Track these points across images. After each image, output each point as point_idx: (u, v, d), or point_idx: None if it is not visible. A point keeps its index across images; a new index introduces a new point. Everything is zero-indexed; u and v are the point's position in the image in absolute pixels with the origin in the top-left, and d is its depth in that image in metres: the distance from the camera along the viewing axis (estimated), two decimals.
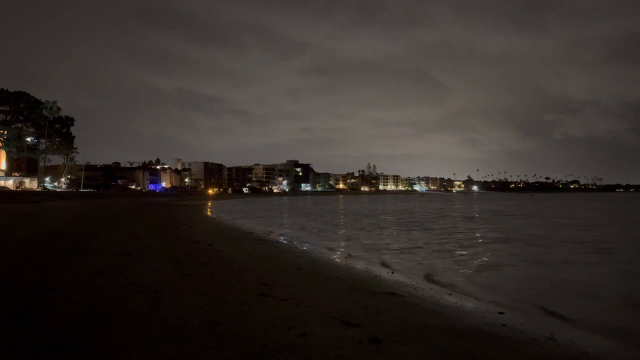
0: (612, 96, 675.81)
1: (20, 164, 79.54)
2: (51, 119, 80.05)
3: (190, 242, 14.23)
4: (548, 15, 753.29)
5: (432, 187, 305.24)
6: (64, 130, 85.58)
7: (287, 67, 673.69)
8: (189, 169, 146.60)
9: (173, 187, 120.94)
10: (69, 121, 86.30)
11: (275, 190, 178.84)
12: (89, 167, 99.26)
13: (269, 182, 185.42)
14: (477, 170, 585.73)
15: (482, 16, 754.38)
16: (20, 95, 78.71)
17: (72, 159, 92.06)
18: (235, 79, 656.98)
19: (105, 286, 6.75)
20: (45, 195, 52.48)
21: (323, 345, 4.57)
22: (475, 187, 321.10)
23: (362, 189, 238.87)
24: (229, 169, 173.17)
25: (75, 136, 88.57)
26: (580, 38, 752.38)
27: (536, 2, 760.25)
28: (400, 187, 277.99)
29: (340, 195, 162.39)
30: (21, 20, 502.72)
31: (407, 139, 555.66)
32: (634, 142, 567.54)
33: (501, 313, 7.33)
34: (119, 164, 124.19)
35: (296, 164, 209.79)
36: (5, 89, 77.36)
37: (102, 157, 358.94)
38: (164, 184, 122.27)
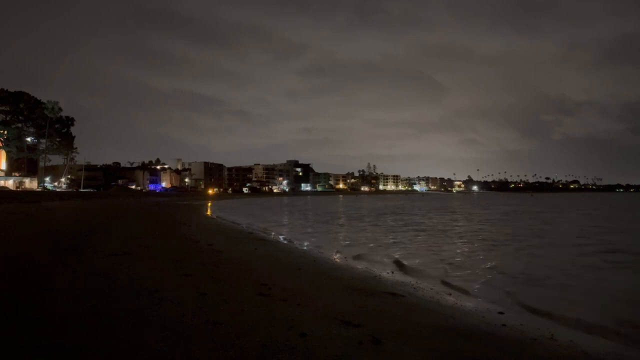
0: (610, 97, 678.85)
1: (20, 164, 79.54)
2: (52, 119, 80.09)
3: (190, 242, 14.22)
4: (545, 17, 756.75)
5: (432, 187, 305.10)
6: (64, 130, 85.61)
7: (286, 68, 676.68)
8: (189, 169, 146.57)
9: (173, 187, 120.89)
10: (69, 121, 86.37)
11: (275, 190, 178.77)
12: (89, 167, 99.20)
13: (269, 182, 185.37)
14: (477, 170, 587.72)
15: (479, 18, 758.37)
16: (21, 96, 78.69)
17: (72, 159, 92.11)
18: (234, 80, 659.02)
19: (105, 286, 6.75)
20: (45, 195, 52.48)
21: (323, 345, 4.57)
22: (475, 187, 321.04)
23: (362, 189, 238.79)
24: (229, 169, 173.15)
25: (75, 136, 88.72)
26: (577, 40, 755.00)
27: (533, 4, 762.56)
28: (400, 187, 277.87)
29: (340, 195, 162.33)
30: (22, 22, 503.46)
31: (406, 139, 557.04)
32: (633, 142, 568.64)
33: (501, 313, 7.33)
34: (119, 164, 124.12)
35: (296, 164, 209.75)
36: (5, 89, 77.37)
37: (102, 157, 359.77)
38: (164, 184, 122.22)
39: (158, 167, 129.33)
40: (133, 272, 8.02)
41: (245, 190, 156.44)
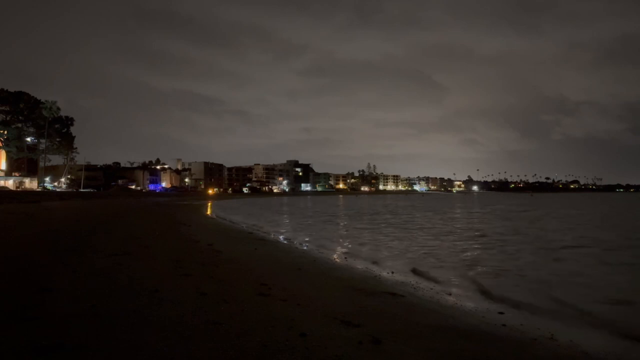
0: (610, 97, 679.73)
1: (20, 164, 79.56)
2: (51, 119, 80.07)
3: (190, 242, 14.22)
4: (545, 17, 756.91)
5: (432, 187, 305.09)
6: (64, 130, 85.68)
7: (286, 68, 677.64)
8: (189, 169, 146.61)
9: (173, 187, 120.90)
10: (68, 121, 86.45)
11: (275, 190, 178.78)
12: (89, 167, 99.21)
13: (269, 182, 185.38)
14: (477, 170, 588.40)
15: (479, 18, 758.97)
16: (21, 96, 78.73)
17: (72, 159, 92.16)
18: (234, 80, 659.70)
19: (105, 286, 6.75)
20: (45, 195, 52.49)
21: (323, 345, 4.57)
22: (475, 187, 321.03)
23: (362, 189, 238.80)
24: (229, 169, 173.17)
25: (75, 136, 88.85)
26: (577, 40, 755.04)
27: (533, 4, 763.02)
28: (400, 187, 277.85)
29: (340, 195, 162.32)
30: (22, 22, 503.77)
31: (406, 139, 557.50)
32: (633, 142, 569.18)
33: (501, 313, 7.33)
34: (119, 164, 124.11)
35: (296, 164, 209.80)
36: (5, 89, 77.40)
37: (102, 157, 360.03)
38: (164, 184, 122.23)
39: (158, 167, 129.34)
40: (133, 272, 8.02)
41: (245, 190, 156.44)
